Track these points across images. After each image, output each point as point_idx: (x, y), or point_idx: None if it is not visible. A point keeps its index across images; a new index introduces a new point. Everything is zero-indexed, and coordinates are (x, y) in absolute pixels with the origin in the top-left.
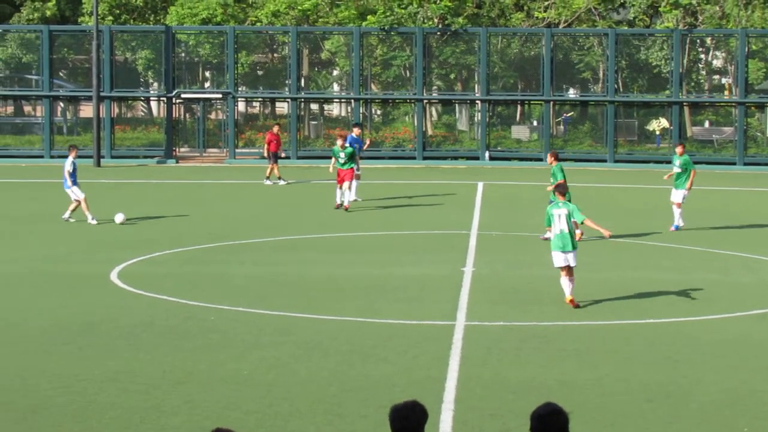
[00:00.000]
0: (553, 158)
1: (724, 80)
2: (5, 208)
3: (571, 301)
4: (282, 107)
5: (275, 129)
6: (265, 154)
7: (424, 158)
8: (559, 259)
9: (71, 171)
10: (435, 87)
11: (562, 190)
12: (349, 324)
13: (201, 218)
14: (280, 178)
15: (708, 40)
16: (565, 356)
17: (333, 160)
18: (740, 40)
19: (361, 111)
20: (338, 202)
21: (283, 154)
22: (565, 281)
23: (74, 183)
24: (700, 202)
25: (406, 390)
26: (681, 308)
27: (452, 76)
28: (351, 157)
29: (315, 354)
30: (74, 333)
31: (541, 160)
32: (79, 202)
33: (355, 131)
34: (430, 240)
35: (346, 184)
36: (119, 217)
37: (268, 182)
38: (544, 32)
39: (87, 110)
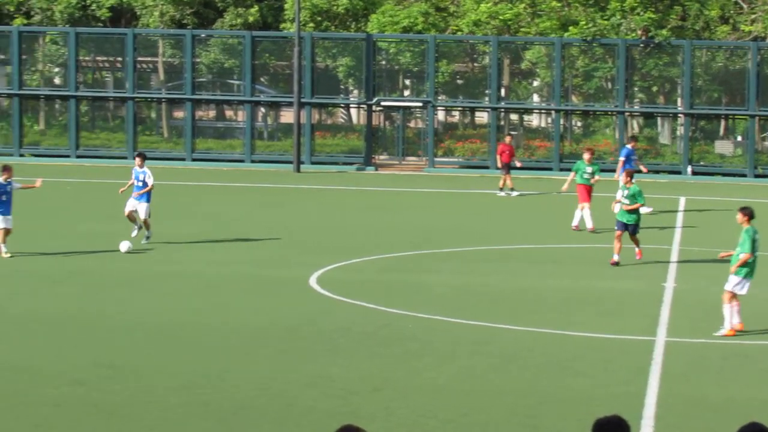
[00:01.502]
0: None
1: None
2: (210, 210)
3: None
4: (481, 117)
5: (507, 139)
6: (499, 165)
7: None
8: (746, 287)
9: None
10: (637, 99)
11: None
12: (547, 336)
13: (400, 226)
14: (512, 189)
15: None
16: None
17: (572, 174)
18: None
19: (561, 122)
20: (575, 224)
21: (518, 164)
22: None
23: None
24: None
25: (604, 404)
26: None
27: (654, 88)
28: (593, 174)
29: (512, 365)
30: (274, 336)
31: (745, 176)
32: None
33: (631, 144)
34: (631, 254)
35: (586, 204)
36: (124, 246)
37: (501, 194)
38: (750, 46)
39: (287, 116)
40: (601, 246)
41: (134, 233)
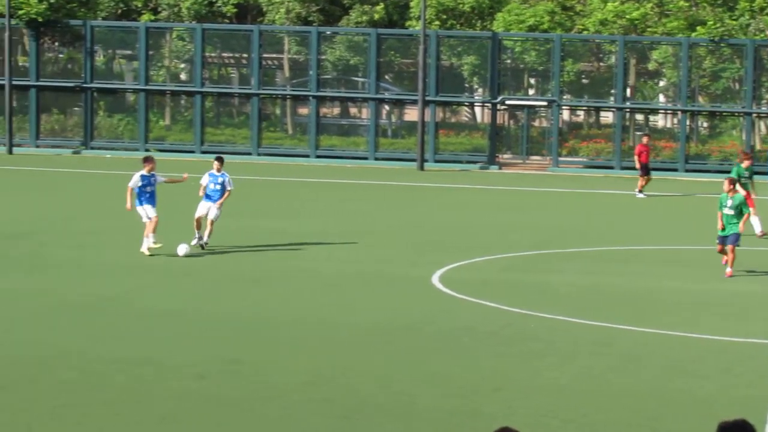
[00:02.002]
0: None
1: None
2: (333, 207)
3: None
4: (606, 117)
5: (645, 140)
6: (637, 166)
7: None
8: None
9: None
10: (765, 101)
11: None
12: (670, 338)
13: (523, 225)
14: (641, 191)
15: None
16: None
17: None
18: None
19: (687, 123)
20: (761, 229)
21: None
22: None
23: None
24: None
25: (726, 408)
26: None
27: None
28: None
29: (633, 366)
30: (396, 334)
31: None
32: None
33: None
34: (760, 257)
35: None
36: (182, 249)
37: (641, 195)
38: None
39: (411, 114)
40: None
41: (195, 241)
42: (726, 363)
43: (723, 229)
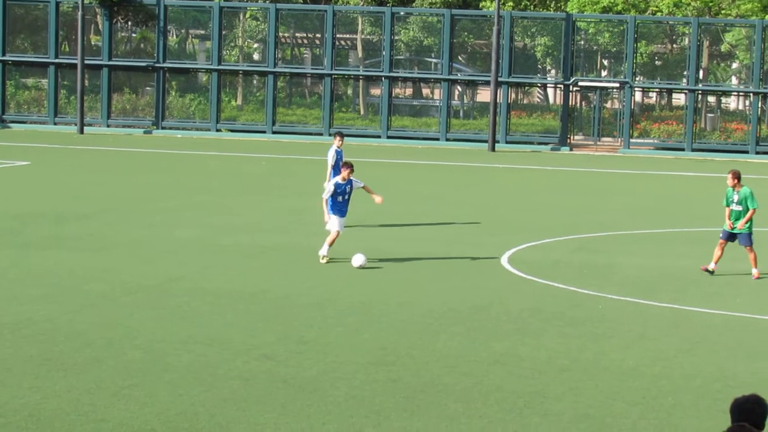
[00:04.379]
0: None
1: None
2: (404, 188)
3: None
4: (678, 98)
5: None
6: None
7: None
8: None
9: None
10: None
11: None
12: (738, 319)
13: (593, 207)
14: None
15: None
16: None
17: None
18: None
19: (759, 105)
20: None
21: None
22: None
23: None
24: None
25: None
26: None
27: None
28: None
29: (701, 348)
30: (463, 315)
31: None
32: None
33: None
34: None
35: None
36: (359, 260)
37: None
38: None
39: (484, 95)
40: None
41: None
42: None
43: (732, 228)
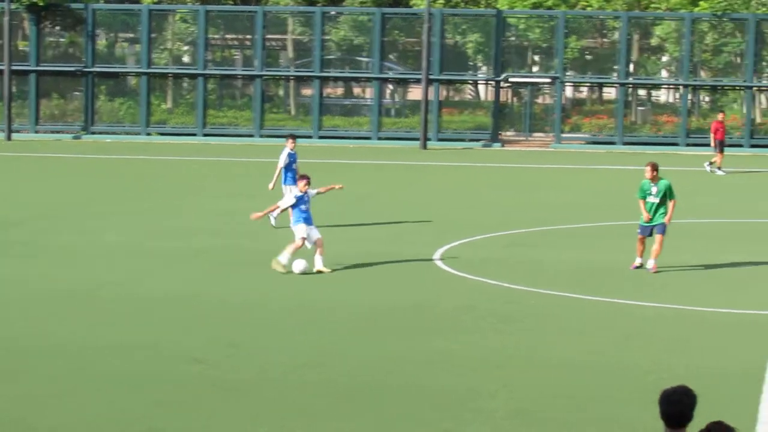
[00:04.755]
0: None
1: None
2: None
3: None
4: (609, 92)
5: (720, 116)
6: (712, 144)
7: (751, 146)
8: None
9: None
10: (766, 74)
11: None
12: (671, 311)
13: (526, 203)
14: (719, 168)
15: None
16: None
17: None
18: None
19: (689, 97)
20: None
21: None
22: None
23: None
24: None
25: (723, 381)
26: None
27: None
28: None
29: (635, 341)
30: (397, 315)
31: None
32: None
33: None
34: (756, 228)
35: None
36: (300, 265)
37: (720, 172)
38: None
39: (415, 92)
40: (732, 221)
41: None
42: (726, 337)
43: (649, 220)
